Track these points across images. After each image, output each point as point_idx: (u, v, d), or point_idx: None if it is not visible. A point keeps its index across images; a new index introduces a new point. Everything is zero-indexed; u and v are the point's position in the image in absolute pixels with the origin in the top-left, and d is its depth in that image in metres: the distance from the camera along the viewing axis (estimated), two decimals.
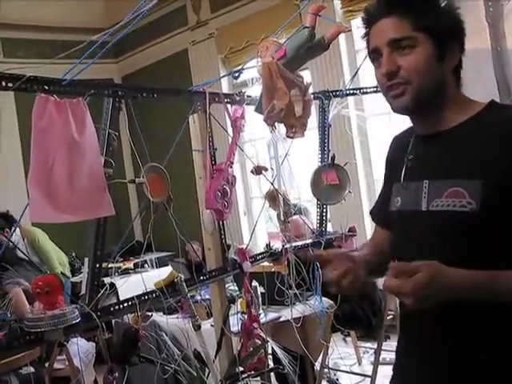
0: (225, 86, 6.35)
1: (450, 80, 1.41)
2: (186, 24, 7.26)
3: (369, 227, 5.50)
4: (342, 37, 5.50)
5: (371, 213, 1.77)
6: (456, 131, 1.39)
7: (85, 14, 7.43)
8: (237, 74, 2.50)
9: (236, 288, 3.71)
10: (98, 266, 2.20)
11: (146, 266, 6.21)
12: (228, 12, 6.64)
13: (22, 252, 4.69)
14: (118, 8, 6.47)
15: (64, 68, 2.07)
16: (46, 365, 4.10)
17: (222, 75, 2.45)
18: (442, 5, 1.40)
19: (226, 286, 3.78)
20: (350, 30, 2.32)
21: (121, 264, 6.28)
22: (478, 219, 1.29)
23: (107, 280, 3.95)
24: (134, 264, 6.23)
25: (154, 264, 6.32)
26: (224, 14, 6.70)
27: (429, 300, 1.21)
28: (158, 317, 3.50)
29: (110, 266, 5.77)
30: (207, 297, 3.49)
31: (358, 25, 5.02)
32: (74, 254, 6.71)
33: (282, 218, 3.34)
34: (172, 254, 6.28)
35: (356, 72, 3.22)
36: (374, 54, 1.42)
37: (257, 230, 6.56)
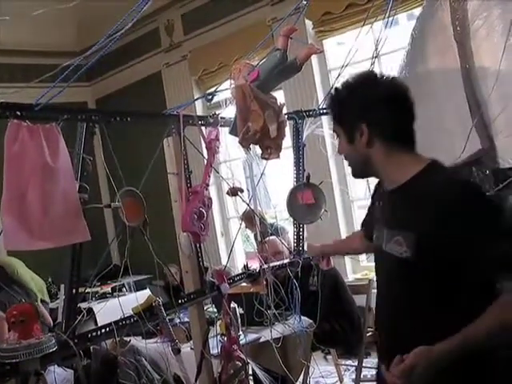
0: (199, 108, 6.36)
1: (372, 152, 1.68)
2: (160, 46, 7.27)
3: None
4: (314, 57, 5.53)
5: (362, 225, 2.24)
6: (398, 191, 1.67)
7: (57, 38, 7.39)
8: (210, 97, 2.51)
9: (215, 310, 3.69)
10: (74, 292, 2.18)
11: (123, 289, 6.13)
12: (201, 34, 6.67)
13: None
14: (91, 31, 6.49)
15: (38, 92, 2.06)
16: None
17: (195, 97, 2.46)
18: (346, 97, 1.72)
19: (205, 308, 3.76)
20: (322, 51, 2.35)
21: (98, 288, 6.20)
22: (412, 265, 1.57)
23: (85, 305, 3.90)
24: (112, 288, 6.15)
25: (132, 287, 6.25)
26: (197, 36, 6.73)
27: (420, 378, 1.45)
28: (137, 341, 3.45)
29: (87, 290, 5.71)
30: (186, 319, 3.46)
31: (330, 45, 5.07)
32: (50, 280, 6.61)
33: (259, 238, 3.34)
34: (150, 277, 6.22)
35: (329, 92, 3.23)
36: None
37: (235, 250, 6.55)
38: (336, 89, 1.77)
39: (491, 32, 2.41)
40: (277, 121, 2.34)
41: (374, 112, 1.66)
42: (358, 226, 5.50)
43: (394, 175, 1.68)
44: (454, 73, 2.54)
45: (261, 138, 2.34)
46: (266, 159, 2.53)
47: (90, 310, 3.81)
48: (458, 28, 2.55)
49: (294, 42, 2.39)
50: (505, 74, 2.34)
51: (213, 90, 2.79)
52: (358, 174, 1.80)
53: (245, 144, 2.37)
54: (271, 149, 2.41)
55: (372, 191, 2.02)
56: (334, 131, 1.79)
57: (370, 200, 2.07)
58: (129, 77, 7.67)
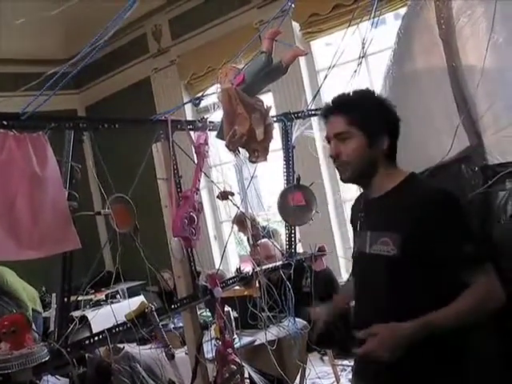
0: (189, 113, 6.36)
1: (381, 160, 1.85)
2: (148, 52, 7.26)
3: (339, 245, 5.53)
4: (302, 58, 5.56)
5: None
6: (386, 197, 1.85)
7: (46, 46, 7.37)
8: (197, 102, 2.51)
9: (210, 314, 3.68)
10: (66, 300, 2.17)
11: (118, 296, 6.11)
12: (189, 39, 6.67)
13: None
14: (79, 38, 6.46)
15: (26, 101, 2.05)
16: None
17: (184, 102, 2.45)
18: (374, 105, 1.86)
19: (200, 312, 3.75)
20: (307, 53, 2.36)
21: (92, 296, 6.18)
22: (398, 262, 1.74)
23: (79, 313, 3.88)
24: (106, 295, 6.12)
25: (126, 294, 6.24)
26: (185, 41, 6.73)
27: (394, 350, 1.63)
28: (132, 348, 3.44)
29: (80, 298, 5.68)
30: (180, 325, 3.45)
31: (318, 46, 5.05)
32: (44, 289, 6.59)
33: (251, 241, 3.34)
34: (144, 283, 6.21)
35: (317, 92, 3.25)
36: (328, 140, 1.91)
37: (228, 253, 6.54)
38: (357, 92, 1.91)
39: (475, 30, 2.42)
40: (263, 124, 2.34)
41: (393, 127, 1.88)
42: (350, 227, 5.56)
43: (384, 183, 1.86)
44: (440, 71, 2.54)
45: (247, 141, 2.34)
46: (254, 162, 2.53)
47: (83, 318, 3.80)
48: (443, 26, 2.56)
49: (281, 44, 2.40)
50: (490, 72, 2.35)
51: (201, 94, 2.78)
52: (356, 176, 1.88)
53: (232, 147, 2.37)
54: (258, 152, 2.41)
55: (351, 213, 2.17)
56: (343, 132, 1.84)
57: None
58: (118, 83, 7.65)
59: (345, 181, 1.92)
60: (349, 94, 1.91)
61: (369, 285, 1.89)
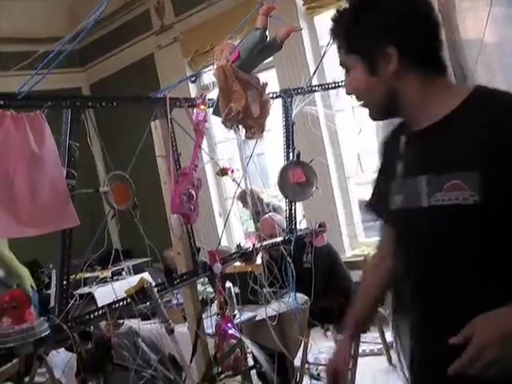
0: (193, 90, 6.35)
1: (404, 84, 1.34)
2: (151, 29, 7.23)
3: (343, 221, 5.54)
4: (305, 33, 5.53)
5: (370, 206, 1.62)
6: (446, 123, 1.30)
7: (48, 24, 7.34)
8: (193, 79, 2.52)
9: (212, 290, 3.72)
10: (66, 276, 2.20)
11: (124, 273, 6.16)
12: (192, 15, 6.63)
13: None
14: (82, 16, 6.44)
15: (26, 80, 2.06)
16: (26, 379, 4.04)
17: (178, 80, 2.42)
18: (365, 20, 1.34)
19: (203, 288, 3.79)
20: (301, 29, 2.35)
21: (99, 273, 6.25)
22: (481, 211, 1.23)
23: (85, 290, 3.93)
24: (112, 272, 6.19)
25: (131, 271, 6.30)
26: (188, 17, 6.69)
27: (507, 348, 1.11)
28: (133, 324, 3.48)
29: (87, 275, 5.74)
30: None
31: (320, 20, 4.99)
32: (51, 266, 6.67)
33: (251, 217, 3.36)
34: (151, 260, 6.26)
35: (316, 68, 3.24)
36: None
37: (233, 230, 6.58)
38: (342, 9, 1.39)
39: (475, 4, 2.41)
40: (259, 100, 2.34)
41: (405, 30, 1.31)
42: (354, 202, 5.57)
43: (431, 108, 1.33)
44: None
45: (243, 117, 2.35)
46: (250, 139, 2.54)
47: (89, 294, 3.86)
48: (442, 1, 2.55)
49: (284, 19, 2.40)
50: (489, 45, 2.34)
51: (205, 70, 2.79)
52: (380, 113, 1.42)
53: (228, 124, 2.38)
54: (254, 128, 2.42)
55: (381, 150, 1.59)
56: (341, 64, 1.40)
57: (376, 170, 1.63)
58: (122, 60, 7.63)
59: (371, 118, 1.44)
60: (342, 9, 1.40)
61: (434, 259, 1.33)
